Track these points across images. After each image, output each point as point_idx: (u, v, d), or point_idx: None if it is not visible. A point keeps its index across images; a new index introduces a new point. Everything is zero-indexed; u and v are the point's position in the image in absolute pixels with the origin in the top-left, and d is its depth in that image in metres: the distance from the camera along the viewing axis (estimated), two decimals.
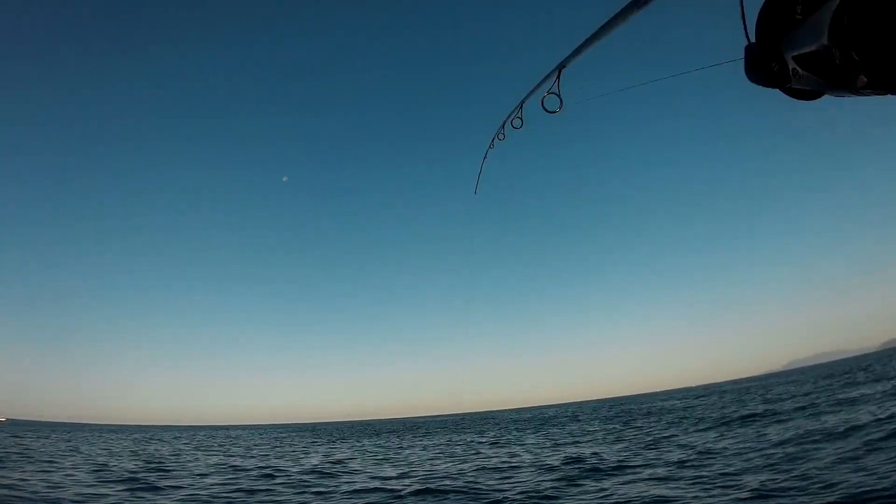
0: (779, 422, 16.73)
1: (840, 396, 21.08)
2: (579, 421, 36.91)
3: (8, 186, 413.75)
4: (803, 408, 19.34)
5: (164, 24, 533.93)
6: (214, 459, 21.19)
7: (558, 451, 17.42)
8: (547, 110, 1.56)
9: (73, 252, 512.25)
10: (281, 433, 64.94)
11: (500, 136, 1.99)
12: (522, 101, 1.75)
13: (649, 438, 17.82)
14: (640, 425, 24.72)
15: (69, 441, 35.87)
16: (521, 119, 1.81)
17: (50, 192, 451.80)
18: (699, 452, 12.89)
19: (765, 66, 1.11)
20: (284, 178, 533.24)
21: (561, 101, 1.56)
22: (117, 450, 26.97)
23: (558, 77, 1.50)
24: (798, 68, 1.04)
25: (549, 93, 1.54)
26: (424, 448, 24.21)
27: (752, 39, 1.15)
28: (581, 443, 19.36)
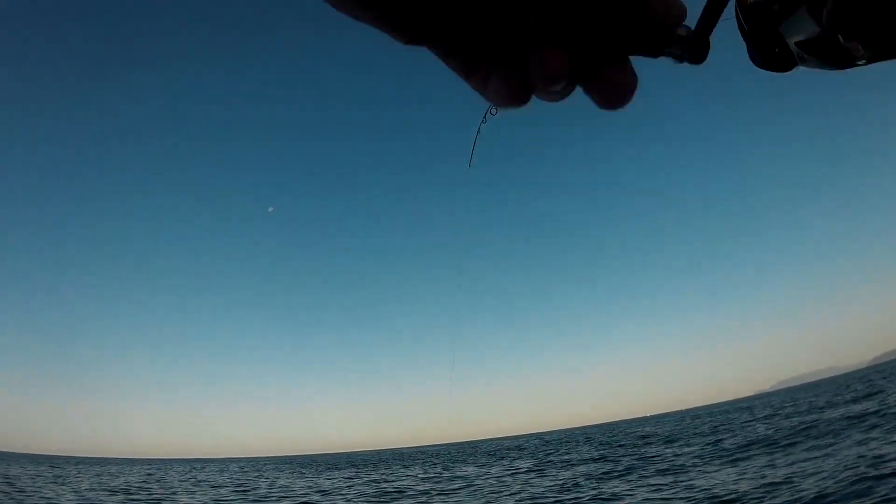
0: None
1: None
2: (571, 446, 36.62)
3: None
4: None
5: (158, 46, 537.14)
6: (202, 492, 20.81)
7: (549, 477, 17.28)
8: None
9: (61, 284, 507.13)
10: (266, 466, 63.83)
11: (493, 112, 1.90)
12: None
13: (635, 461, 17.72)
14: (627, 452, 24.57)
15: (56, 473, 35.05)
16: None
17: (42, 213, 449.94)
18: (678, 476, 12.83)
19: (767, 51, 1.12)
20: (271, 209, 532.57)
21: None
22: (106, 480, 26.42)
23: None
24: (802, 53, 1.04)
25: None
26: (414, 478, 23.91)
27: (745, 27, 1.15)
28: (571, 467, 19.21)
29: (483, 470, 22.44)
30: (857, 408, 19.82)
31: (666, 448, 20.46)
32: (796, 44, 1.05)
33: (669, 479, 12.12)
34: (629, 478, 13.38)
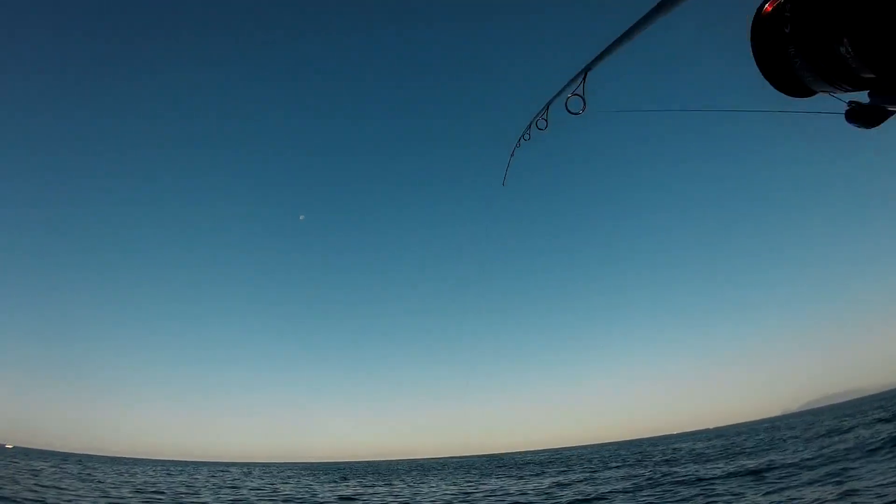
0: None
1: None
2: (595, 464, 36.21)
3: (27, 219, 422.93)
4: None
5: (195, 60, 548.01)
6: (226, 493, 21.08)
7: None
8: (570, 112, 1.56)
9: (85, 284, 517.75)
10: (282, 472, 64.11)
11: (526, 137, 1.97)
12: (549, 103, 1.75)
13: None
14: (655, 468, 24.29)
15: (81, 469, 35.63)
16: (546, 121, 1.80)
17: (70, 212, 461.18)
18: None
19: (784, 75, 1.18)
20: (301, 217, 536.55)
21: (584, 102, 1.56)
22: (125, 479, 26.81)
23: (584, 80, 1.51)
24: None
25: (573, 94, 1.54)
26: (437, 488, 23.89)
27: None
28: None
29: (509, 482, 22.36)
30: (886, 428, 19.46)
31: (689, 466, 20.23)
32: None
33: (695, 491, 12.02)
34: (655, 490, 13.27)
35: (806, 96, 1.20)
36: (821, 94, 1.17)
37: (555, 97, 1.68)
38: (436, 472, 41.58)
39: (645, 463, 25.52)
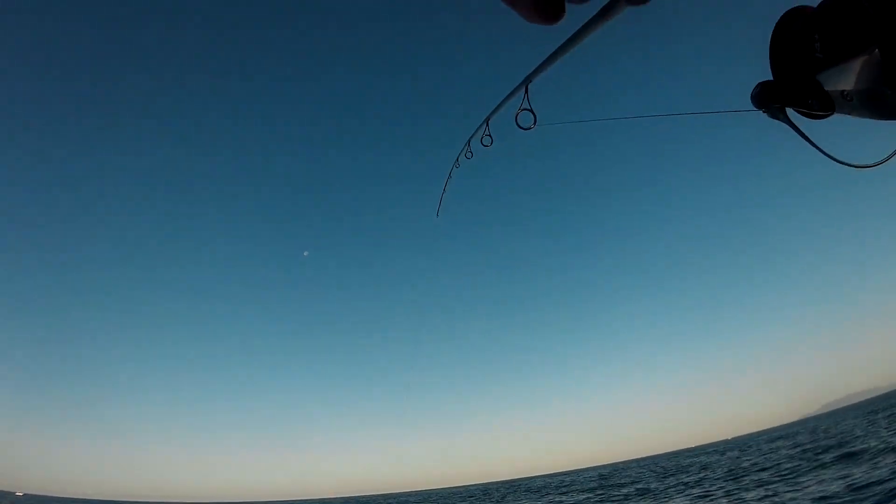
0: None
1: None
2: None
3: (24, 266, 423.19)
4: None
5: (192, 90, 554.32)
6: None
7: None
8: (521, 127, 1.49)
9: (93, 326, 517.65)
10: None
11: (468, 155, 1.90)
12: (488, 118, 1.67)
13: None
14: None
15: None
16: (491, 136, 1.73)
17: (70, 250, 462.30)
18: None
19: (802, 99, 1.09)
20: (305, 254, 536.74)
21: (535, 117, 1.47)
22: None
23: (526, 92, 1.44)
24: (847, 102, 1.04)
25: (521, 109, 1.47)
26: None
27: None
28: None
29: None
30: None
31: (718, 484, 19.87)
32: (843, 93, 1.03)
33: None
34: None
35: (821, 118, 1.11)
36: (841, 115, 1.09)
37: (494, 111, 1.61)
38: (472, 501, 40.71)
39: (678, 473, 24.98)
